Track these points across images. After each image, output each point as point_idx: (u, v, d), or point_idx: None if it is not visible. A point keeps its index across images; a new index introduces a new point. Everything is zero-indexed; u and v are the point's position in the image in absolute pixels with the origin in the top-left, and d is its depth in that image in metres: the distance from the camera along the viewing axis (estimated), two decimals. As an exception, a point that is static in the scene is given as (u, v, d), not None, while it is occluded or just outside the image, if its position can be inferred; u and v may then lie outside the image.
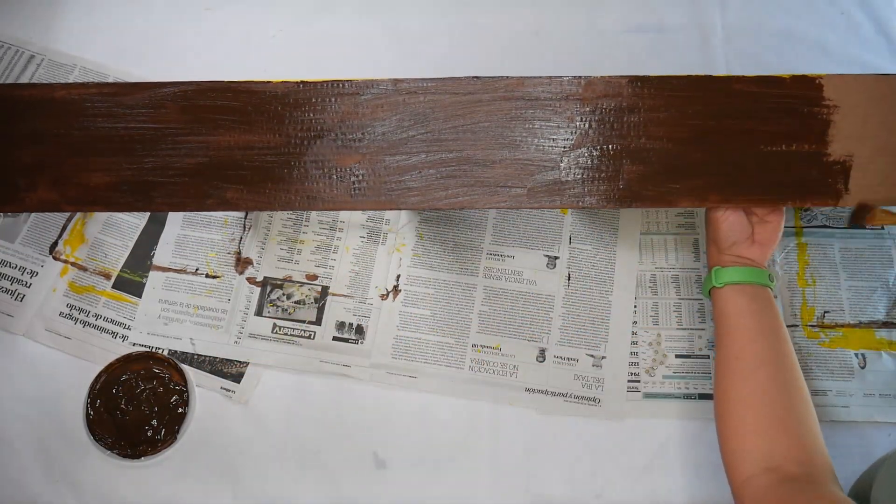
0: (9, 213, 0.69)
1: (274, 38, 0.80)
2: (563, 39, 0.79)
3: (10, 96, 0.48)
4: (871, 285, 0.66)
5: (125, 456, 0.61)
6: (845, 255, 0.67)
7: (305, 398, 0.65)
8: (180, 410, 0.63)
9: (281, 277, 0.68)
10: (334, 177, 0.48)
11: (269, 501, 0.62)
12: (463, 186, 0.48)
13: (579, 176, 0.48)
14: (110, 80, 0.76)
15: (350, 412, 0.64)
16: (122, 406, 0.63)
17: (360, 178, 0.48)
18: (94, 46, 0.78)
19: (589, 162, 0.48)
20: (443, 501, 0.62)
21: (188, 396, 0.63)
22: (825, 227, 0.68)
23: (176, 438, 0.62)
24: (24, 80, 0.75)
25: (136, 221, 0.70)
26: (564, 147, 0.48)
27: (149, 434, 0.62)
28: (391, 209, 0.50)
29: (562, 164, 0.48)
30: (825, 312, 0.66)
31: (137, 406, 0.63)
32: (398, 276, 0.68)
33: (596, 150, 0.48)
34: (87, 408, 0.62)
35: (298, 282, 0.68)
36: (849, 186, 0.49)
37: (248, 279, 0.68)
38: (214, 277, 0.68)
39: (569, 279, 0.68)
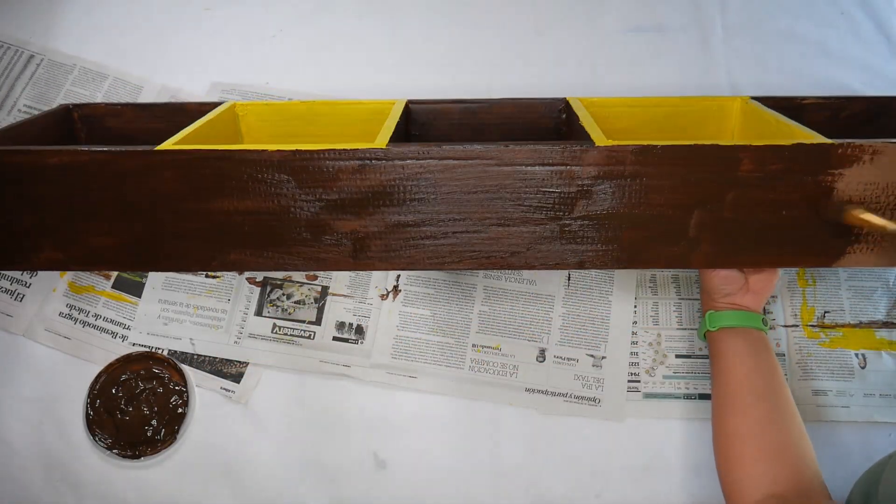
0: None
1: (273, 38, 0.80)
2: (565, 39, 0.79)
3: (3, 162, 0.48)
4: (871, 285, 0.66)
5: (125, 456, 0.61)
6: (845, 255, 0.67)
7: (305, 398, 0.65)
8: (180, 410, 0.63)
9: (281, 277, 0.68)
10: (335, 241, 0.49)
11: (268, 501, 0.62)
12: (463, 251, 0.49)
13: (579, 240, 0.49)
14: (109, 80, 0.76)
15: (350, 412, 0.64)
16: (122, 406, 0.63)
17: (362, 241, 0.49)
18: (94, 46, 0.78)
19: (589, 227, 0.48)
20: (443, 502, 0.62)
21: (188, 396, 0.63)
22: (825, 227, 0.68)
23: (176, 438, 0.62)
24: (24, 79, 0.76)
25: (135, 221, 0.70)
26: (564, 213, 0.48)
27: (149, 434, 0.62)
28: (393, 270, 0.50)
29: (561, 229, 0.48)
30: (825, 312, 0.66)
31: (137, 406, 0.63)
32: (398, 276, 0.68)
33: (596, 216, 0.48)
34: (87, 408, 0.62)
35: (298, 282, 0.68)
36: (845, 250, 0.49)
37: (247, 279, 0.68)
38: (214, 277, 0.68)
39: (569, 279, 0.68)
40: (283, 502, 0.62)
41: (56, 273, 0.68)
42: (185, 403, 0.63)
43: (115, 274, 0.68)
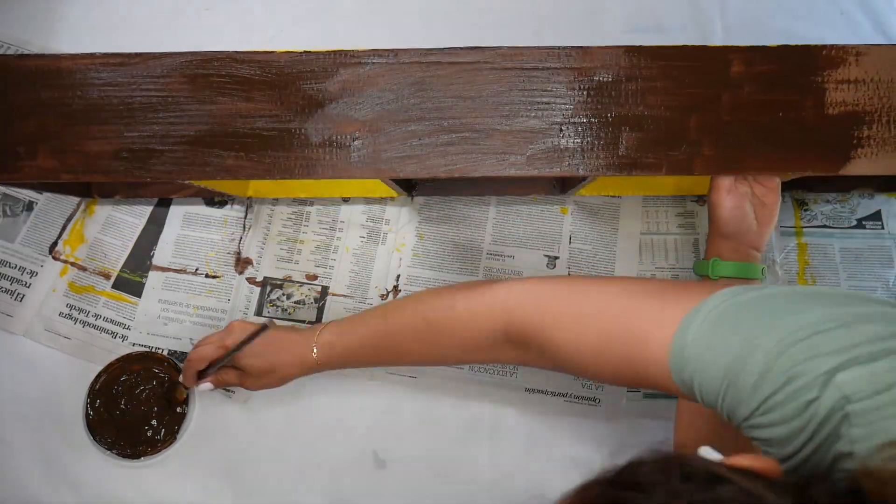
0: (9, 213, 0.69)
1: (274, 39, 0.80)
2: (563, 40, 0.79)
3: (16, 66, 0.49)
4: (871, 285, 0.66)
5: (125, 456, 0.61)
6: (845, 255, 0.67)
7: (305, 398, 0.65)
8: (180, 410, 0.63)
9: (281, 277, 0.68)
10: (334, 144, 0.49)
11: (268, 501, 0.62)
12: (461, 154, 0.49)
13: (578, 143, 0.49)
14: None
15: (350, 412, 0.64)
16: (122, 406, 0.63)
17: (360, 145, 0.49)
18: (94, 46, 0.76)
19: (588, 129, 0.49)
20: (443, 501, 0.62)
21: (188, 396, 0.63)
22: (825, 227, 0.68)
23: (176, 438, 0.62)
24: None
25: (135, 221, 0.70)
26: (563, 115, 0.49)
27: (149, 434, 0.62)
28: (390, 177, 0.50)
29: (561, 132, 0.49)
30: (825, 312, 0.66)
31: (137, 406, 0.63)
32: (398, 276, 0.68)
33: (594, 117, 0.49)
34: (87, 408, 0.62)
35: (298, 282, 0.68)
36: (849, 154, 0.49)
37: (247, 279, 0.68)
38: (214, 277, 0.68)
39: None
40: (283, 502, 0.62)
41: (56, 273, 0.68)
42: (185, 403, 0.63)
43: (115, 273, 0.68)
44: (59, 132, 0.50)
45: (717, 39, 0.78)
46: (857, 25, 0.79)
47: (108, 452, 0.61)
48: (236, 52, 0.48)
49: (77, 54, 0.49)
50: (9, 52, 0.76)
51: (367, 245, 0.69)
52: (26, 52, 0.76)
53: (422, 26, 0.80)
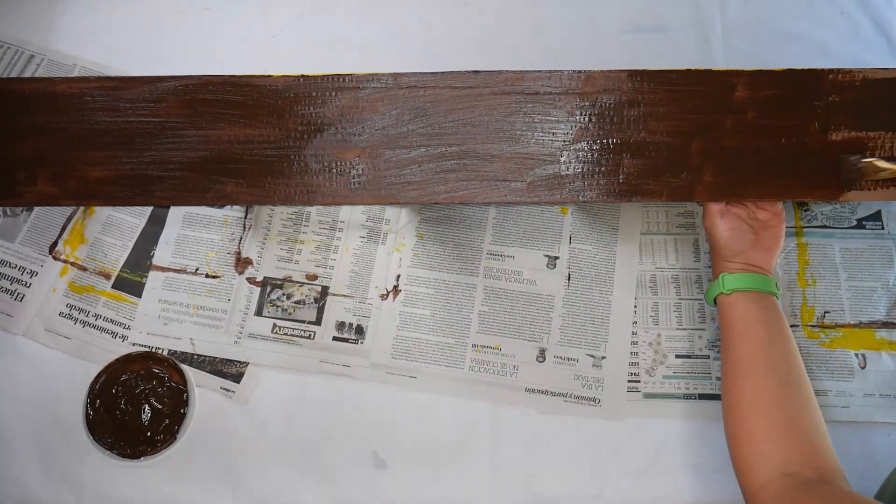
0: (9, 213, 0.69)
1: (274, 39, 0.80)
2: (563, 40, 0.79)
3: (12, 90, 0.49)
4: (871, 285, 0.66)
5: (125, 456, 0.61)
6: (845, 255, 0.67)
7: (305, 398, 0.65)
8: (181, 410, 0.63)
9: (281, 277, 0.68)
10: (334, 171, 0.49)
11: (268, 501, 0.62)
12: (462, 181, 0.49)
13: (579, 170, 0.48)
14: (110, 79, 0.76)
15: (350, 412, 0.64)
16: (122, 406, 0.63)
17: (360, 171, 0.49)
18: (94, 46, 0.78)
19: (589, 156, 0.48)
20: (443, 501, 0.62)
21: (188, 396, 0.63)
22: (825, 227, 0.68)
23: (176, 438, 0.62)
24: (24, 79, 0.75)
25: (135, 221, 0.70)
26: (564, 141, 0.48)
27: (149, 434, 0.62)
28: (391, 204, 0.50)
29: (562, 159, 0.48)
30: (825, 312, 0.66)
31: (137, 406, 0.63)
32: (398, 276, 0.68)
33: (596, 143, 0.48)
34: (87, 408, 0.62)
35: (298, 282, 0.68)
36: (853, 182, 0.49)
37: (248, 279, 0.68)
38: (214, 277, 0.68)
39: (569, 279, 0.68)
40: (283, 502, 0.62)
41: (56, 272, 0.68)
42: (185, 403, 0.63)
43: (115, 273, 0.68)
44: (57, 157, 0.49)
45: (716, 40, 0.78)
46: (858, 25, 0.79)
47: (108, 452, 0.61)
48: (232, 75, 0.48)
49: (71, 78, 0.49)
50: (8, 52, 0.76)
51: (367, 245, 0.69)
52: (26, 52, 0.76)
53: (420, 27, 0.80)
